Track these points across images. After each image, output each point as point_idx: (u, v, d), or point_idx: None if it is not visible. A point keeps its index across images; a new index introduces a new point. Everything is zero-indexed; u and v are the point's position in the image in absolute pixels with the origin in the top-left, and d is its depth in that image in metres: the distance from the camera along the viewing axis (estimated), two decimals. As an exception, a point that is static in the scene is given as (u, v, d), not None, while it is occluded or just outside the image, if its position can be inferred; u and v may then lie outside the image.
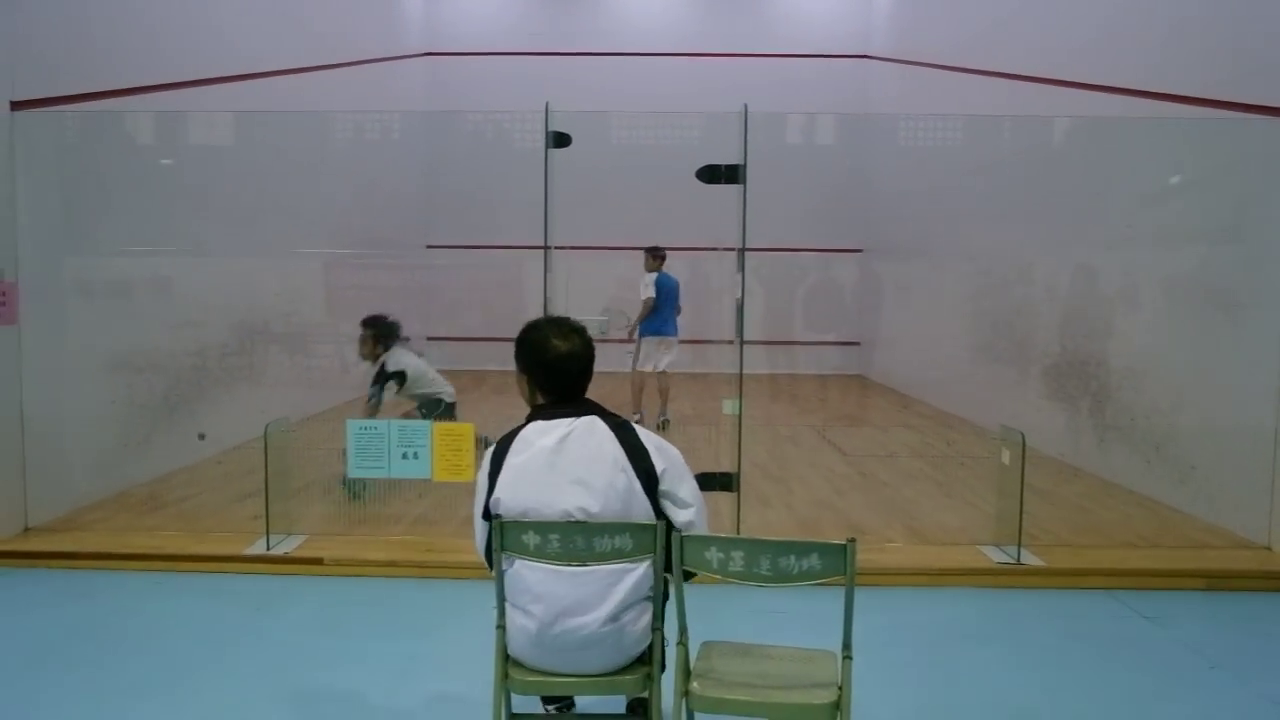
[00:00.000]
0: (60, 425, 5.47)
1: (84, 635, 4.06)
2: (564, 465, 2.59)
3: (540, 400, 2.77)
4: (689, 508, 2.67)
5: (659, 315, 8.97)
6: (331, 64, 10.10)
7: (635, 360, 9.05)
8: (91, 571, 4.83)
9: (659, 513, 2.66)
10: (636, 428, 2.72)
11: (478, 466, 2.80)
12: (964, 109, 9.76)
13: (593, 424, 2.66)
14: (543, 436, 2.64)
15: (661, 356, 9.01)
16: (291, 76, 8.91)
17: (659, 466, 2.66)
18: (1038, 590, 4.68)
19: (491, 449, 2.72)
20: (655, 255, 9.07)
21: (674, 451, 2.74)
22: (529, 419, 2.73)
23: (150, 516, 5.58)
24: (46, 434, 5.36)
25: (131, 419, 6.18)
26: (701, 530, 2.67)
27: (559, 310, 5.09)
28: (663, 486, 2.66)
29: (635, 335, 9.01)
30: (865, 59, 13.99)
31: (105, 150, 6.15)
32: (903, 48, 12.59)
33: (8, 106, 5.13)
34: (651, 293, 8.97)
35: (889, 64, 13.08)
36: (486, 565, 2.72)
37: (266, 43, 8.55)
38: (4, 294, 5.07)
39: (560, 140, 5.09)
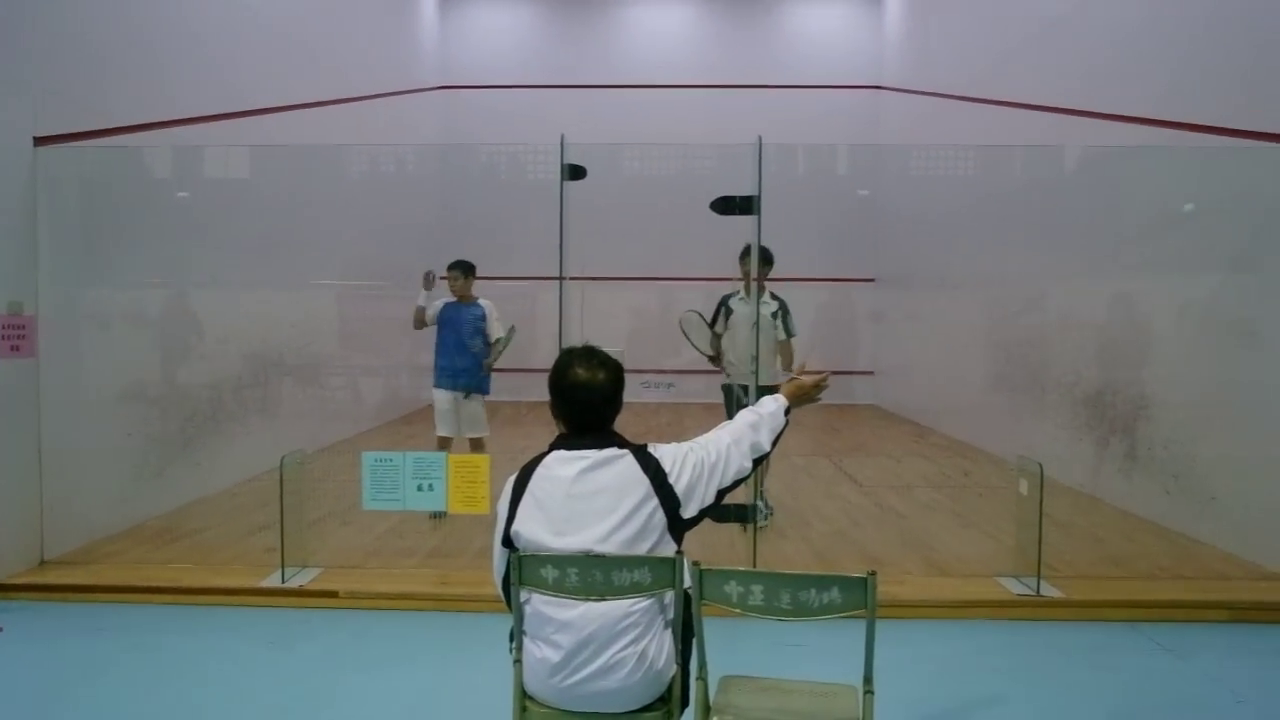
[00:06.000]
0: (77, 458, 5.49)
1: (100, 669, 4.06)
2: (584, 498, 2.55)
3: (562, 429, 2.73)
4: (691, 503, 2.62)
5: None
6: (347, 98, 10.23)
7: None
8: (107, 605, 4.83)
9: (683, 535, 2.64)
10: (654, 448, 2.67)
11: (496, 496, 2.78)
12: (975, 138, 9.79)
13: (615, 456, 2.61)
14: (563, 466, 2.60)
15: None
16: (307, 111, 9.02)
17: (671, 476, 2.60)
18: (1058, 622, 4.62)
19: (514, 477, 2.69)
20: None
21: (672, 448, 2.69)
22: (551, 446, 2.68)
23: (165, 549, 5.58)
24: (63, 467, 5.39)
25: (147, 451, 6.19)
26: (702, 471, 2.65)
27: (573, 341, 5.10)
28: (679, 489, 2.61)
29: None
30: (877, 90, 14.09)
31: (124, 184, 6.22)
32: (914, 78, 12.68)
33: (30, 142, 5.22)
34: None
35: (901, 94, 13.15)
36: (501, 595, 2.69)
37: (282, 78, 8.68)
38: (23, 328, 5.12)
39: (575, 173, 5.12)
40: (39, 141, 5.26)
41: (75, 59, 5.65)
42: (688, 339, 6.12)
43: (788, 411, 2.89)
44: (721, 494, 2.70)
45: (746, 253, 5.79)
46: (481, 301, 6.56)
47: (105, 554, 5.47)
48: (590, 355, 2.73)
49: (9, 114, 5.06)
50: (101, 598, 4.88)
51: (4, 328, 5.00)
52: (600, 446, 2.62)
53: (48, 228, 5.29)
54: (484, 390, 6.56)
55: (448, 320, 6.49)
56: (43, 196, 5.26)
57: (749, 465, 2.76)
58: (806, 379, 2.97)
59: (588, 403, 2.67)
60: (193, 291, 6.98)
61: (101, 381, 5.87)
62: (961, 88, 10.45)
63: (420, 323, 6.59)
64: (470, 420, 6.51)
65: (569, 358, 2.73)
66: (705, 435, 2.79)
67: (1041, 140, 8.09)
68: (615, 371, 2.72)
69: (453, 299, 6.53)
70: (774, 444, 2.84)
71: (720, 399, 6.39)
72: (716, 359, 6.14)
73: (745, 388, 5.58)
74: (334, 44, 10.17)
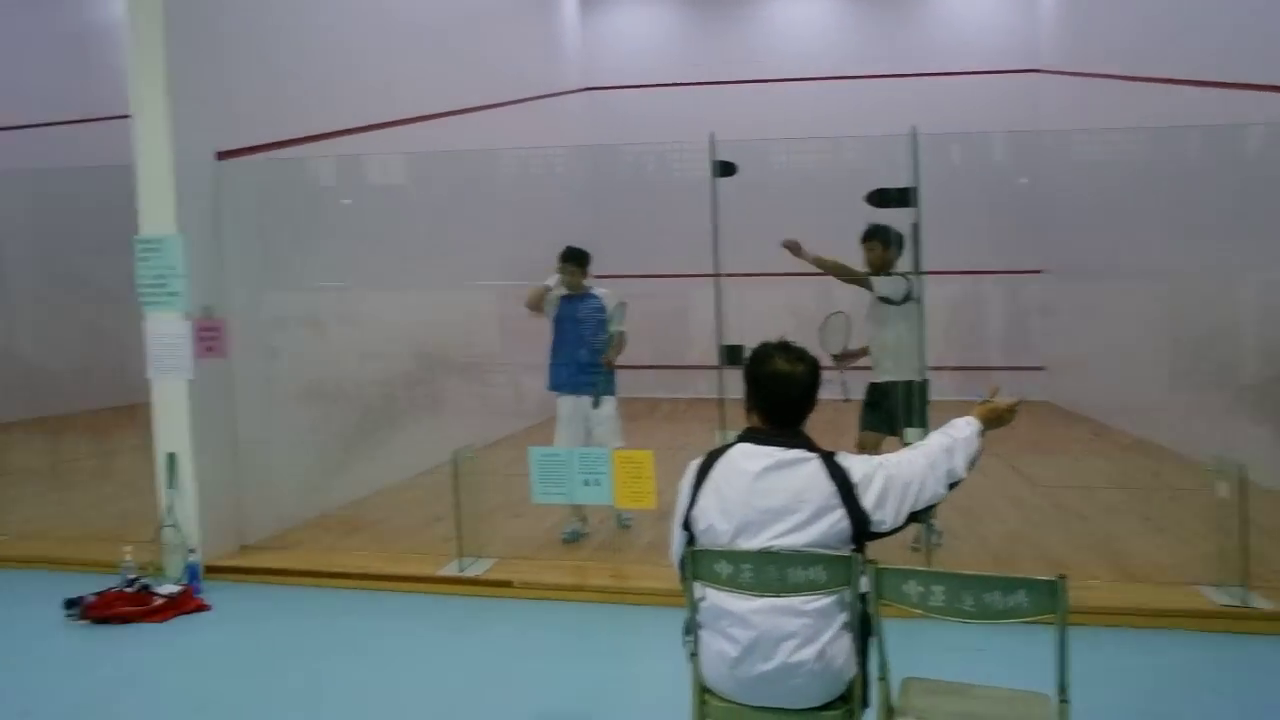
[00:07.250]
0: (268, 451, 5.85)
1: (299, 646, 4.35)
2: (765, 495, 2.53)
3: (754, 421, 2.71)
4: (882, 524, 2.56)
5: None
6: (496, 104, 10.50)
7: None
8: (301, 588, 5.15)
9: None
10: (844, 458, 2.60)
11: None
12: (1142, 120, 9.19)
13: (802, 458, 2.56)
14: (748, 460, 2.57)
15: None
16: (459, 117, 9.30)
17: (859, 489, 2.53)
18: (1269, 636, 4.27)
19: (699, 461, 2.69)
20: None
21: (861, 461, 2.61)
22: (739, 438, 2.68)
23: (350, 538, 5.90)
24: (257, 459, 5.76)
25: (329, 445, 6.54)
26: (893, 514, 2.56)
27: (730, 339, 5.06)
28: (867, 504, 2.54)
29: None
30: (1035, 73, 13.45)
31: (296, 193, 6.58)
32: (1073, 59, 12.05)
33: (214, 156, 5.57)
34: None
35: (1059, 77, 12.53)
36: (679, 575, 2.69)
37: (435, 86, 8.95)
38: (216, 329, 5.49)
39: (726, 169, 5.10)
40: (221, 156, 5.60)
41: (249, 78, 5.95)
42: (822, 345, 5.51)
43: (981, 434, 2.77)
44: (913, 517, 2.61)
45: (866, 236, 5.61)
46: (597, 291, 5.83)
47: (297, 540, 5.83)
48: (789, 348, 2.73)
49: (196, 132, 5.40)
50: (296, 580, 5.21)
51: (200, 330, 5.38)
52: (788, 446, 2.58)
53: (231, 236, 5.62)
54: (611, 392, 5.76)
55: (564, 316, 5.76)
56: (226, 207, 5.60)
57: (943, 491, 2.65)
58: (1001, 401, 2.84)
59: (786, 395, 2.65)
60: (363, 292, 7.31)
61: (284, 379, 6.21)
62: (1125, 66, 9.87)
63: (538, 302, 5.75)
64: (603, 432, 5.65)
65: (768, 349, 2.72)
66: (897, 454, 2.70)
67: (1214, 117, 7.51)
68: (813, 366, 2.70)
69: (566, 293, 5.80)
70: (970, 468, 2.71)
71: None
72: (840, 356, 5.59)
73: (908, 383, 5.26)
74: (482, 51, 10.43)
